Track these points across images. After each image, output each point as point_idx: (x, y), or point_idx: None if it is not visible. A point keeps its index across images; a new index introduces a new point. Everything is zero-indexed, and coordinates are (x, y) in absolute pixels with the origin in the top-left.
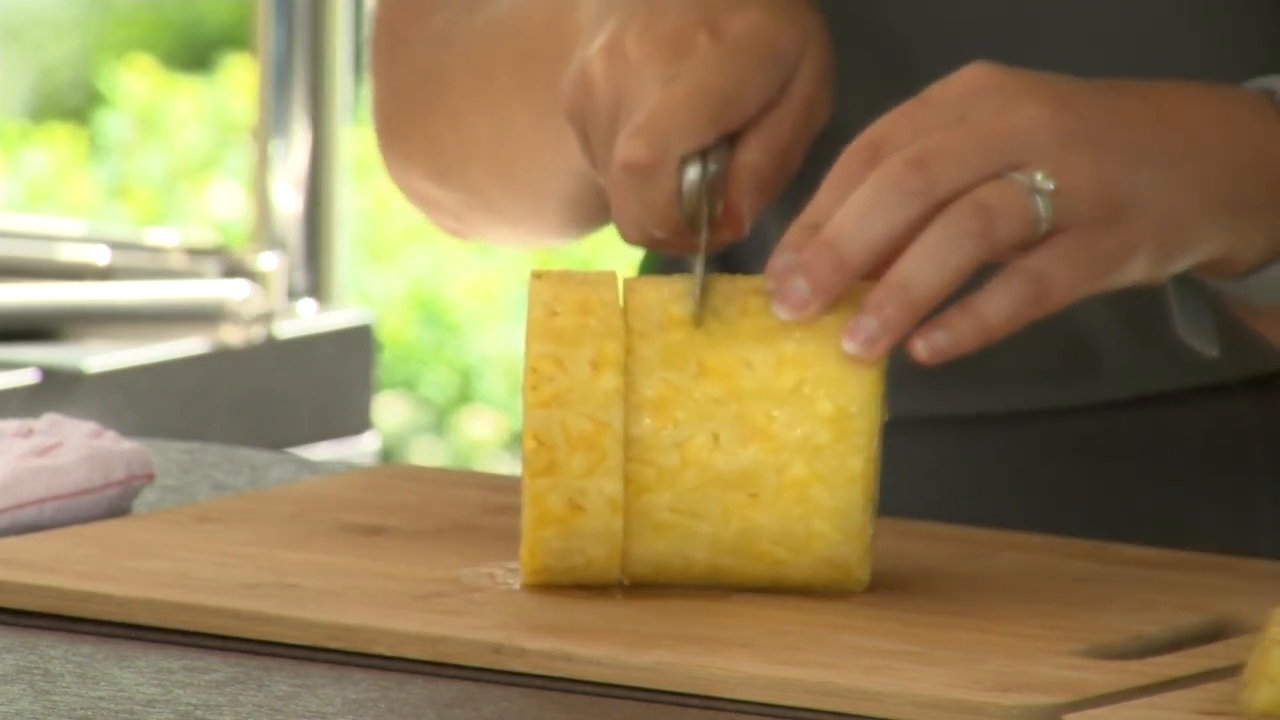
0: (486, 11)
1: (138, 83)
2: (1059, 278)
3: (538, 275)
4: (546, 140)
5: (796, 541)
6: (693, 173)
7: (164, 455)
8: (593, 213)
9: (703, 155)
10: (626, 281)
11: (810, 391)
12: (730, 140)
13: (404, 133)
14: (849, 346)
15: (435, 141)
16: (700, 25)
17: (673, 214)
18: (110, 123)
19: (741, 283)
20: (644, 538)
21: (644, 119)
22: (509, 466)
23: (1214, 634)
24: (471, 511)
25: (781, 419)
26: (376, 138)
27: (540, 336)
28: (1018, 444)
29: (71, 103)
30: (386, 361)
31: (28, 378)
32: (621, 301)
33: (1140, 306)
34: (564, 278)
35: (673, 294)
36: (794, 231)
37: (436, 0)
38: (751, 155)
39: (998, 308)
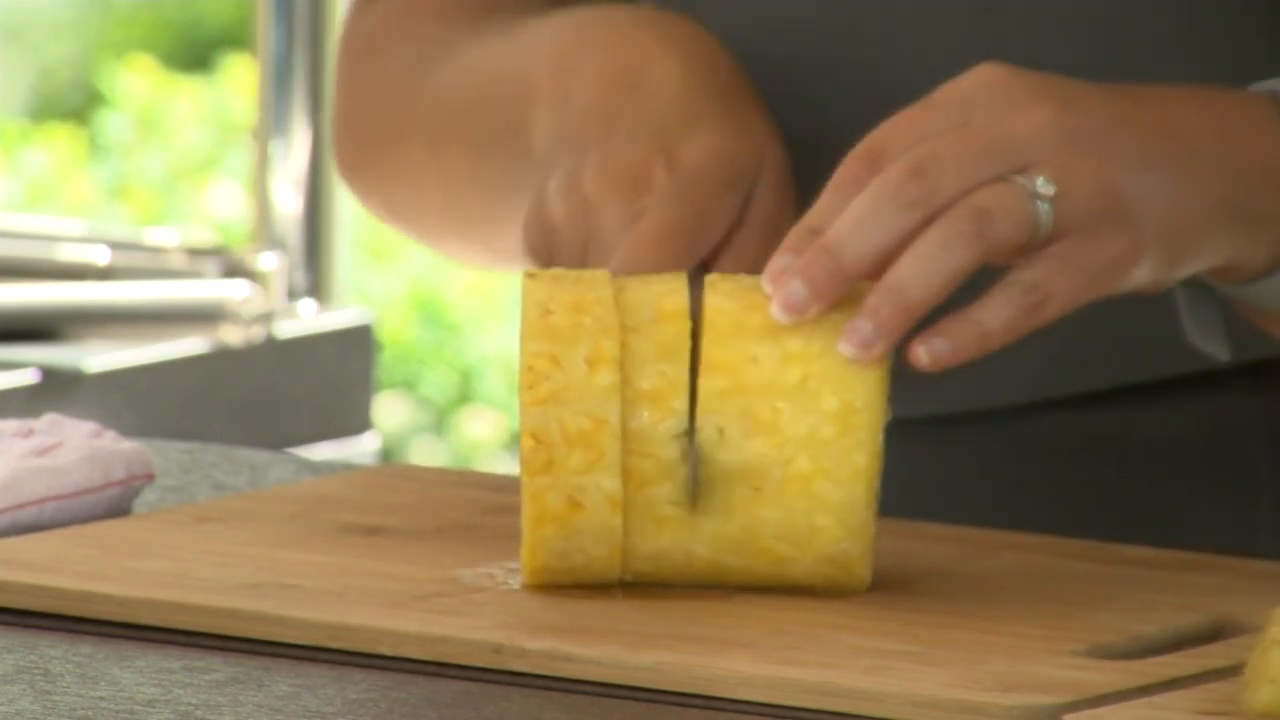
0: (446, 73)
1: (138, 83)
2: (1058, 286)
3: (531, 275)
4: (497, 215)
5: (799, 537)
6: None
7: (164, 455)
8: None
9: None
10: (615, 281)
11: (815, 386)
12: (702, 266)
13: (361, 170)
14: (845, 349)
15: (390, 190)
16: (656, 156)
17: None
18: (110, 123)
19: (745, 280)
20: (645, 533)
21: (617, 265)
22: (509, 466)
23: (1214, 634)
24: (471, 511)
25: (787, 413)
26: (334, 154)
27: (535, 336)
28: (1015, 443)
29: (71, 103)
30: (386, 361)
31: (28, 378)
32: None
33: (1136, 299)
34: (557, 277)
35: (664, 289)
36: (794, 234)
37: (408, 30)
38: None
39: (997, 317)
